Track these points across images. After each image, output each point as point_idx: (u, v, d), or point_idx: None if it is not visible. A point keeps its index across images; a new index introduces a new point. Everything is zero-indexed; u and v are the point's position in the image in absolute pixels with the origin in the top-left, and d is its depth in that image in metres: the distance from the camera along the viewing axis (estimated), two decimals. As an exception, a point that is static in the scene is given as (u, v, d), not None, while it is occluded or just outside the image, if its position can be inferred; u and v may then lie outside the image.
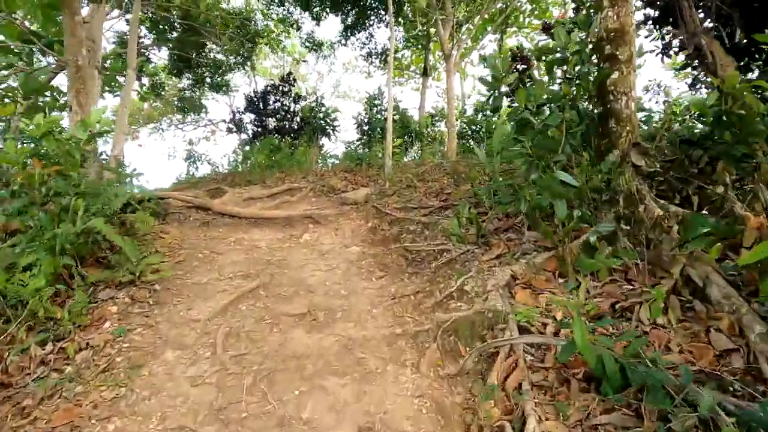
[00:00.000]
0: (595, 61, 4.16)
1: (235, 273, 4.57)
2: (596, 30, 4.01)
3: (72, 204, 4.07)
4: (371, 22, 14.40)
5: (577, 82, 4.14)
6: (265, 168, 10.68)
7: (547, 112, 4.10)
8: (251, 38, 14.98)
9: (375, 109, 8.52)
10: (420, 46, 18.15)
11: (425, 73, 16.96)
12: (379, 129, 8.30)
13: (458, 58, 16.50)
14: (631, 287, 3.16)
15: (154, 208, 5.63)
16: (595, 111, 4.05)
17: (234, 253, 5.16)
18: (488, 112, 14.47)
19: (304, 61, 17.08)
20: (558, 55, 4.32)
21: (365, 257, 5.01)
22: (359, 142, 9.27)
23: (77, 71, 6.97)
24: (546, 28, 8.32)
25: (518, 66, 7.41)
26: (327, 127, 9.14)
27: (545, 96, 4.03)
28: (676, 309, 2.80)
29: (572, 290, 3.31)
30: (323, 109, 9.18)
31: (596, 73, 4.00)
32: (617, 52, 3.85)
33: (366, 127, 8.20)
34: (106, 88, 14.17)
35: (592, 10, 4.55)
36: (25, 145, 4.69)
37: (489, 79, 4.45)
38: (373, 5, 13.27)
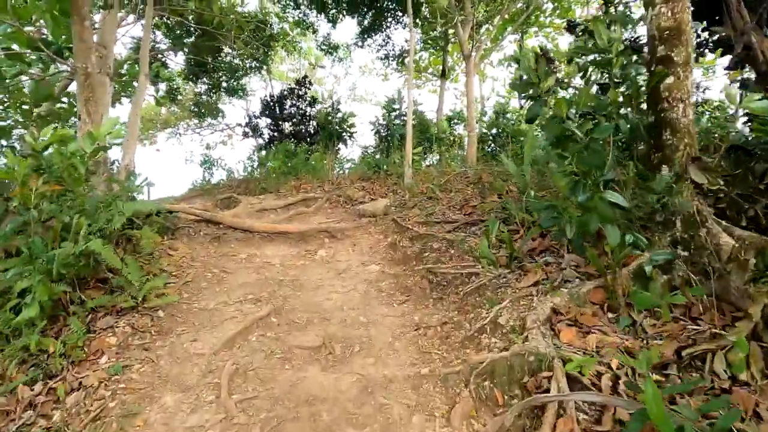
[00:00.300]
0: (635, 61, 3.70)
1: (245, 296, 4.24)
2: (648, 28, 3.56)
3: (74, 223, 3.79)
4: (388, 24, 14.08)
5: (622, 88, 3.70)
6: (280, 174, 10.44)
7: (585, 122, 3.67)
8: (266, 42, 14.79)
9: (393, 113, 8.13)
10: (438, 48, 17.78)
11: (443, 75, 16.56)
12: (397, 135, 7.94)
13: (478, 59, 16.08)
14: (698, 328, 2.71)
15: (162, 223, 5.36)
16: (645, 121, 3.60)
17: (245, 271, 4.85)
18: (508, 115, 14.06)
19: (321, 66, 16.83)
20: (595, 56, 3.86)
21: (385, 278, 4.64)
22: (376, 148, 8.90)
23: (86, 79, 6.77)
24: (571, 27, 7.82)
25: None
26: (344, 133, 8.80)
27: (588, 104, 3.59)
28: (759, 360, 2.35)
29: (626, 329, 2.88)
30: (339, 114, 8.84)
31: (646, 78, 3.55)
32: (672, 54, 3.40)
33: (384, 133, 7.84)
34: (123, 94, 14.19)
35: (632, 7, 4.11)
36: (27, 159, 4.46)
37: (520, 82, 4.03)
38: (390, 7, 12.93)
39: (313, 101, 14.56)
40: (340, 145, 9.77)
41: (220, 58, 16.51)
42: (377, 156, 10.75)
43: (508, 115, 14.90)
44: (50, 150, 4.34)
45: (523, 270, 3.78)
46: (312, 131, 14.49)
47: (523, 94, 4.00)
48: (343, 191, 7.60)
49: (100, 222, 4.07)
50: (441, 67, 16.74)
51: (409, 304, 4.00)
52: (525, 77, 3.74)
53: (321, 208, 6.98)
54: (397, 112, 9.10)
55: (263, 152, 15.01)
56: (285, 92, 14.61)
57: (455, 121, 14.11)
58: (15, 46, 8.15)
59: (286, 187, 8.90)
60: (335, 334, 3.57)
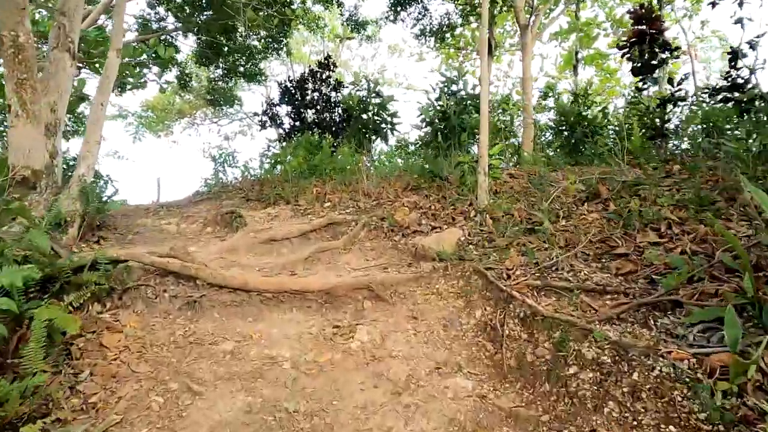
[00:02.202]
0: None
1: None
2: None
3: None
4: (426, -8, 11.68)
5: None
6: (299, 175, 8.23)
7: None
8: (284, 18, 12.56)
9: (453, 98, 5.76)
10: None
11: (489, 52, 14.07)
12: (457, 127, 5.59)
13: (536, 29, 13.43)
14: None
15: (100, 285, 3.21)
16: None
17: (227, 388, 2.64)
18: (568, 97, 11.48)
19: (350, 38, 14.53)
20: None
21: (491, 415, 2.36)
22: (424, 145, 6.55)
23: (17, 53, 4.67)
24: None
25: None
26: (384, 124, 6.51)
27: None
28: None
29: None
30: (376, 99, 6.56)
31: None
32: None
33: (442, 125, 5.56)
34: (129, 80, 12.23)
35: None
36: None
37: None
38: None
39: (338, 85, 12.37)
40: (377, 141, 7.48)
41: (234, 39, 14.45)
42: (421, 154, 8.38)
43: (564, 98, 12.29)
44: None
45: None
46: (338, 119, 12.32)
47: None
48: (385, 209, 5.31)
49: None
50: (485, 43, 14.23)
51: None
52: None
53: (355, 238, 4.72)
54: (461, 95, 6.57)
55: (283, 144, 12.96)
56: (306, 75, 12.44)
57: (500, 106, 11.56)
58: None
59: (307, 196, 6.68)
60: None
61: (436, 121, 5.84)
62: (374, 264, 4.15)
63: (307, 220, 5.36)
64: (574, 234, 3.74)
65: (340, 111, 12.49)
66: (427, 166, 5.77)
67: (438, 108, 5.77)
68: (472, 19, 15.84)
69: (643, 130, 7.58)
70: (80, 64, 8.47)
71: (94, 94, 5.67)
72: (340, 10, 14.92)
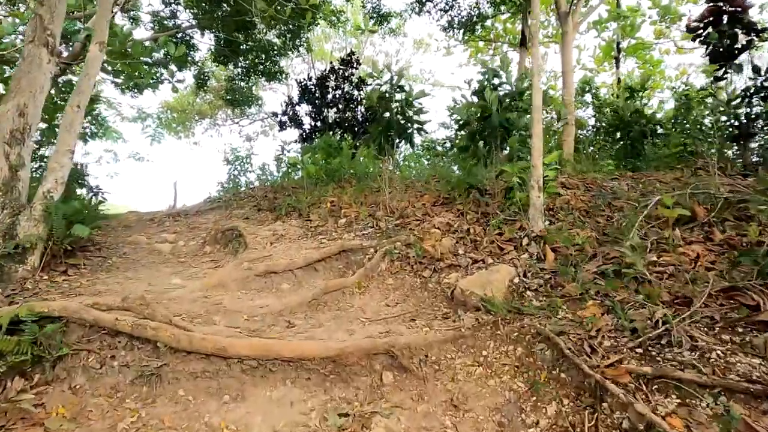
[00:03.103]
0: None
1: None
2: None
3: None
4: (454, -21, 10.67)
5: None
6: (317, 181, 7.33)
7: None
8: (298, 7, 11.68)
9: (495, 93, 4.58)
10: (515, 8, 14.14)
11: (522, 44, 13.02)
12: (500, 127, 4.48)
13: (577, 17, 12.11)
14: None
15: (19, 355, 2.33)
16: None
17: None
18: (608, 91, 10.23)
19: (372, 31, 13.59)
20: None
21: None
22: (458, 149, 5.43)
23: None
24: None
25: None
26: (409, 124, 5.49)
27: None
28: None
29: None
30: (399, 96, 5.58)
31: None
32: None
33: (480, 125, 4.43)
34: (154, 79, 11.61)
35: None
36: None
37: None
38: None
39: (362, 82, 11.46)
40: (402, 143, 6.45)
41: (252, 36, 13.72)
42: (453, 158, 7.30)
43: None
44: None
45: None
46: (360, 119, 11.42)
47: None
48: (411, 231, 4.28)
49: None
50: (521, 33, 13.07)
51: None
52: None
53: (374, 273, 3.72)
54: (502, 88, 5.29)
55: (302, 145, 12.14)
56: (327, 73, 11.58)
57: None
58: None
59: (321, 210, 5.74)
60: None
61: (473, 121, 4.75)
62: (397, 312, 3.14)
63: (316, 245, 4.39)
64: (678, 279, 2.63)
65: (362, 110, 11.58)
66: (462, 175, 4.71)
67: (476, 106, 4.68)
68: (503, 8, 14.68)
69: (722, 129, 6.30)
70: (71, 62, 7.75)
71: (73, 94, 4.85)
72: (362, 1, 14.03)
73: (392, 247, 3.91)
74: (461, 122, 5.03)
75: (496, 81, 4.88)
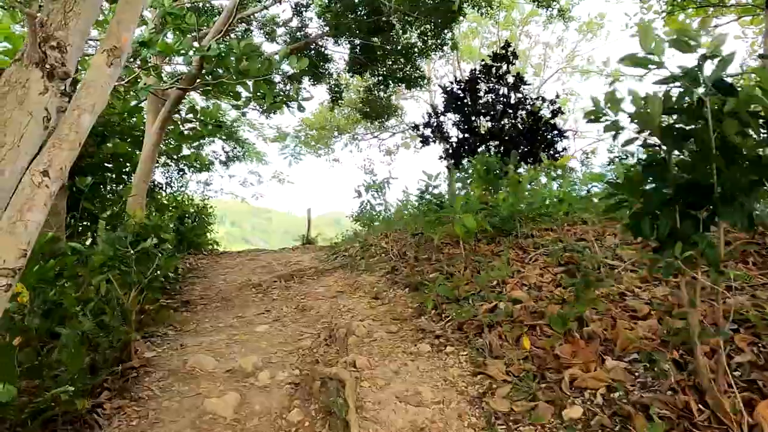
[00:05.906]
0: None
1: None
2: None
3: None
4: None
5: None
6: (470, 235, 4.73)
7: None
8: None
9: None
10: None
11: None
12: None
13: None
14: None
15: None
16: None
17: None
18: None
19: (534, 14, 10.65)
20: None
21: None
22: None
23: None
24: None
25: None
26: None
27: None
28: None
29: None
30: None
31: None
32: None
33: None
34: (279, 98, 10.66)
35: None
36: None
37: None
38: None
39: (520, 80, 8.72)
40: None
41: (390, 38, 11.95)
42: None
43: None
44: None
45: None
46: (522, 128, 8.69)
47: None
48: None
49: None
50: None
51: None
52: None
53: None
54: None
55: (448, 162, 9.78)
56: (476, 73, 9.09)
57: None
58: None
59: (510, 339, 3.23)
60: None
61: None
62: None
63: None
64: None
65: (523, 115, 8.84)
66: None
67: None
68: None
69: None
70: (186, 87, 6.47)
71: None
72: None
73: None
74: (674, 134, 1.85)
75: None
